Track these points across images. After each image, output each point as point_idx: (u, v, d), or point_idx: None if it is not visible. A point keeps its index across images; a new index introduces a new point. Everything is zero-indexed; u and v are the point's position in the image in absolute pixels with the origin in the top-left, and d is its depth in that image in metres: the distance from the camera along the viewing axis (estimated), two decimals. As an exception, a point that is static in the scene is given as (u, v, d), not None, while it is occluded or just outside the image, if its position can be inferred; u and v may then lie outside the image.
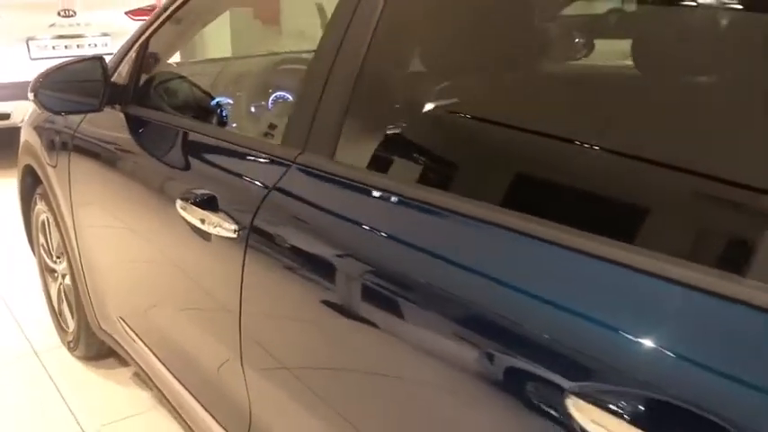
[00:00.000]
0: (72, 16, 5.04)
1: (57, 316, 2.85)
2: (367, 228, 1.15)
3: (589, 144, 1.05)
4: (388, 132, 1.30)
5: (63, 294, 2.73)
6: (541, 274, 0.90)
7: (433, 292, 1.00)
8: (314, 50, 1.39)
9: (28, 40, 4.97)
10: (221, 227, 1.39)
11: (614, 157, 1.01)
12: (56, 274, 2.76)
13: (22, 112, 4.39)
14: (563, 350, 0.82)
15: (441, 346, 0.98)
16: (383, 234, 1.12)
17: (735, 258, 0.79)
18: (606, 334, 0.80)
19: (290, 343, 1.33)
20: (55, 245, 2.68)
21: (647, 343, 0.76)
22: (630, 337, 0.78)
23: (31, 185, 2.74)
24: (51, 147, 2.42)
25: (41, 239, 2.82)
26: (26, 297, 3.23)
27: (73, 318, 2.64)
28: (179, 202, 1.53)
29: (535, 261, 0.92)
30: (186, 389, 1.76)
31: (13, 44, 4.93)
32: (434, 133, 1.26)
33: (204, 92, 2.05)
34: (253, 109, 2.06)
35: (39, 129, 2.54)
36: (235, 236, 1.37)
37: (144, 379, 2.29)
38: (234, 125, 2.01)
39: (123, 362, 2.64)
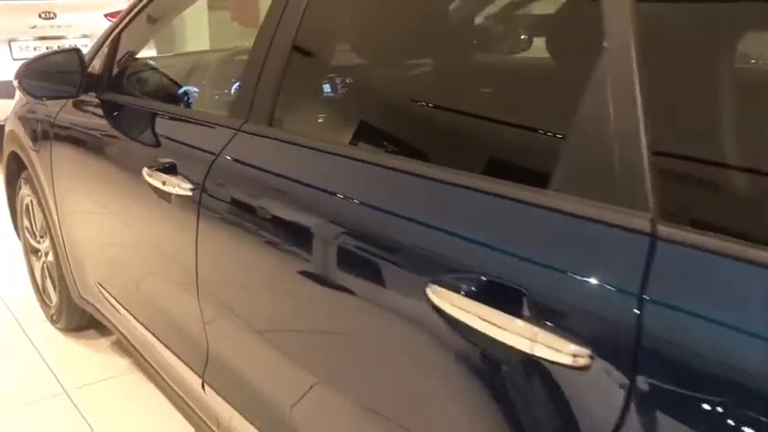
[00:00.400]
0: (52, 18, 5.26)
1: (40, 293, 3.08)
2: (298, 182, 1.41)
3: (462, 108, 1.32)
4: (313, 102, 1.56)
5: (46, 271, 2.96)
6: (424, 205, 1.16)
7: (354, 232, 1.26)
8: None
9: (10, 41, 5.18)
10: (179, 187, 1.65)
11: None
12: (39, 254, 3.00)
13: (5, 110, 4.59)
14: (427, 255, 1.09)
15: (356, 275, 1.23)
16: (310, 186, 1.38)
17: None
18: (454, 240, 1.06)
19: (237, 288, 1.58)
20: (38, 225, 2.91)
21: (478, 238, 1.03)
22: (471, 238, 1.04)
23: (16, 172, 2.98)
24: (34, 134, 2.65)
25: (26, 222, 3.06)
26: (12, 278, 3.45)
27: (55, 291, 2.87)
28: (145, 170, 1.79)
29: (422, 195, 1.18)
30: (154, 335, 2.01)
31: (-5, 45, 5.14)
32: (348, 102, 1.52)
33: (171, 80, 2.31)
34: (216, 95, 2.31)
35: (22, 118, 2.78)
36: (190, 194, 1.63)
37: (123, 344, 2.54)
38: (197, 107, 2.27)
39: (103, 333, 2.89)
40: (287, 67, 1.50)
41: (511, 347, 0.94)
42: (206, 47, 6.94)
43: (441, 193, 1.13)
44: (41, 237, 2.92)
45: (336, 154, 1.37)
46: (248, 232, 1.52)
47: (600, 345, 0.86)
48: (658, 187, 0.87)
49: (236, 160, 1.56)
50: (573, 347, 0.87)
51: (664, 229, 0.85)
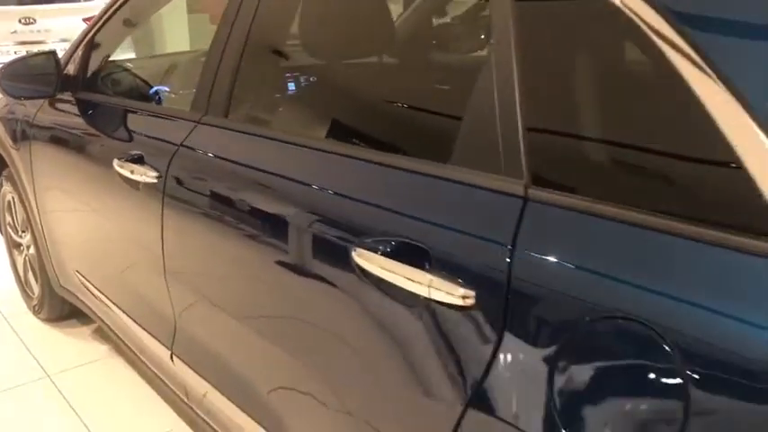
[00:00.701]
0: (32, 24, 5.41)
1: (23, 285, 3.23)
2: (247, 166, 1.59)
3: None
4: (263, 95, 1.73)
5: (28, 264, 3.12)
6: (349, 181, 1.34)
7: (294, 209, 1.44)
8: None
9: (-9, 46, 5.33)
10: (146, 175, 1.82)
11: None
12: (21, 248, 3.15)
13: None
14: (352, 224, 1.27)
15: (297, 246, 1.41)
16: (257, 169, 1.55)
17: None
18: (372, 210, 1.24)
19: (198, 266, 1.76)
20: (20, 220, 3.07)
21: (392, 207, 1.21)
22: (386, 207, 1.22)
23: (-3, 168, 3.13)
24: (14, 133, 2.81)
25: (8, 218, 3.21)
26: (3, 276, 3.59)
27: (37, 283, 3.03)
28: (116, 161, 1.96)
29: (348, 173, 1.35)
30: (128, 315, 2.18)
31: (-24, 51, 5.28)
32: (290, 95, 1.70)
33: (141, 80, 2.47)
34: (181, 93, 2.47)
35: (2, 119, 2.93)
36: (155, 181, 1.80)
37: (103, 331, 2.70)
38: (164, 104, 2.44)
39: (84, 321, 3.04)
40: (240, 65, 1.67)
41: (416, 294, 1.12)
42: (186, 48, 7.10)
43: (363, 171, 1.31)
44: (23, 231, 3.07)
45: (280, 140, 1.54)
46: (206, 214, 1.69)
47: (482, 288, 1.04)
48: (530, 159, 1.05)
49: (195, 149, 1.74)
50: (462, 291, 1.05)
51: (534, 193, 1.03)
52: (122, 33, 2.57)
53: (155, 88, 2.43)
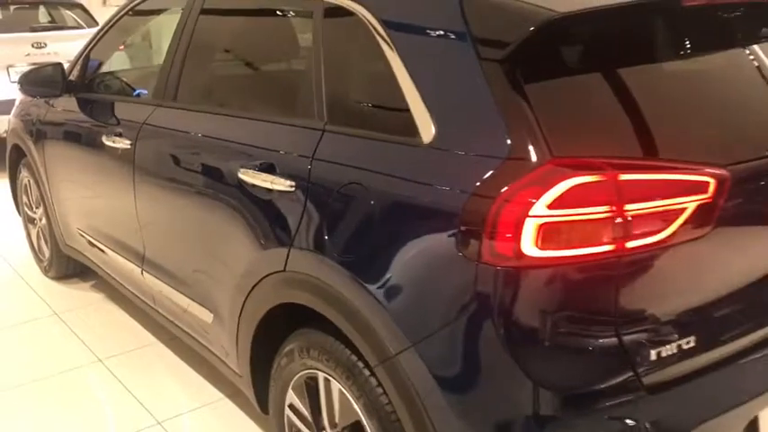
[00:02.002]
0: (43, 48, 6.28)
1: (36, 252, 4.06)
2: (186, 132, 2.41)
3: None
4: (197, 86, 2.56)
5: (40, 234, 3.94)
6: (241, 132, 2.15)
7: (207, 152, 2.26)
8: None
9: (8, 67, 6.18)
10: (122, 144, 2.65)
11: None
12: (35, 221, 3.97)
13: (4, 125, 5.57)
14: (240, 154, 2.09)
15: (208, 174, 2.22)
16: (191, 132, 2.37)
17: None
18: (251, 149, 2.06)
19: (156, 203, 2.57)
20: (34, 198, 3.89)
21: (262, 145, 2.02)
22: (259, 146, 2.04)
23: (16, 160, 3.96)
24: (29, 129, 3.64)
25: (24, 198, 4.04)
26: (15, 246, 4.41)
27: (47, 246, 3.85)
28: (104, 137, 2.79)
29: (238, 127, 2.17)
30: (113, 251, 3.00)
31: (-4, 71, 6.16)
32: (211, 85, 2.56)
33: (124, 82, 3.31)
34: (149, 88, 3.31)
35: (21, 119, 3.77)
36: (129, 147, 2.62)
37: (99, 283, 3.52)
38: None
39: (84, 279, 3.85)
40: (182, 68, 2.50)
41: (267, 188, 1.93)
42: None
43: (246, 126, 2.14)
44: (36, 207, 3.90)
45: (203, 112, 2.38)
46: (160, 166, 2.52)
47: (297, 180, 1.85)
48: (328, 111, 1.87)
49: (153, 124, 2.57)
50: (288, 182, 1.86)
51: (329, 127, 1.85)
52: (110, 50, 3.41)
53: (132, 87, 3.26)
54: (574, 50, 1.56)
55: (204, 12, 2.47)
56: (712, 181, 1.45)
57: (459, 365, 1.50)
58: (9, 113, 4.08)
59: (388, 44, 1.71)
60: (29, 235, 4.12)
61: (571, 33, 1.54)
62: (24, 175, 3.94)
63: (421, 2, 1.75)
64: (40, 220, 3.89)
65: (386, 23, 1.73)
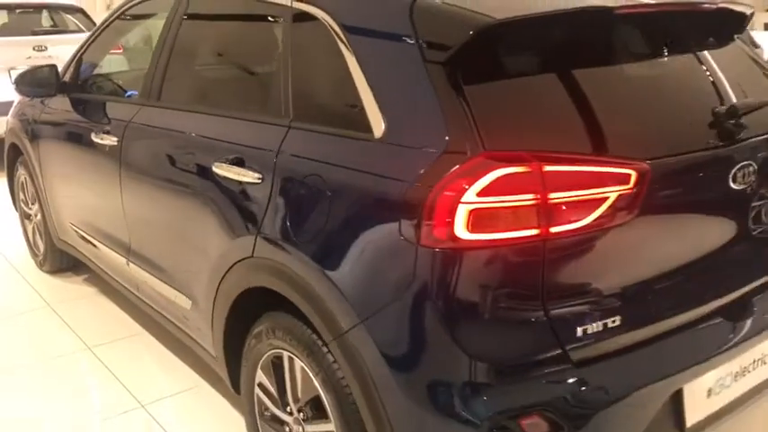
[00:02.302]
0: (44, 51, 6.46)
1: (32, 247, 4.21)
2: (168, 129, 2.56)
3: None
4: (178, 88, 2.71)
5: (36, 229, 4.09)
6: (215, 129, 2.30)
7: (185, 147, 2.41)
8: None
9: (9, 69, 6.35)
10: (110, 141, 2.80)
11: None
12: (30, 217, 4.13)
13: (3, 125, 5.73)
14: (214, 150, 2.24)
15: (188, 167, 2.37)
16: (172, 129, 2.52)
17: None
18: (225, 144, 2.21)
19: (140, 197, 2.72)
20: (30, 195, 4.05)
21: (236, 141, 2.17)
22: (232, 141, 2.18)
23: (13, 158, 4.12)
24: (26, 128, 3.80)
25: (21, 195, 4.20)
26: (12, 242, 4.57)
27: (42, 241, 4.00)
28: (93, 135, 2.94)
29: (215, 125, 2.32)
30: (102, 243, 3.15)
31: (-2, 73, 6.34)
32: (191, 87, 2.71)
33: (114, 83, 3.47)
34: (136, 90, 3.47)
35: (18, 119, 3.93)
36: (116, 143, 2.78)
37: (91, 278, 3.67)
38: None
39: (77, 273, 4.00)
40: (165, 72, 2.65)
41: (237, 180, 2.08)
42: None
43: (220, 123, 2.29)
44: (32, 203, 4.05)
45: (183, 110, 2.53)
46: (144, 161, 2.67)
47: (264, 172, 2.00)
48: (293, 109, 2.01)
49: (139, 123, 2.72)
50: (256, 174, 2.01)
51: (294, 124, 1.99)
52: (101, 53, 3.57)
53: (122, 88, 3.41)
54: (509, 54, 1.70)
55: (186, 17, 2.62)
56: (634, 173, 1.59)
57: (402, 340, 1.64)
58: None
59: (346, 47, 1.86)
60: (25, 230, 4.28)
61: (507, 38, 1.69)
62: (21, 173, 4.09)
63: (376, 9, 1.89)
64: (36, 215, 4.04)
65: (345, 28, 1.88)
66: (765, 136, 1.90)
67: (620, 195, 1.58)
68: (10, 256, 4.40)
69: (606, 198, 1.57)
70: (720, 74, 1.99)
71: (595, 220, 1.56)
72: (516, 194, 1.52)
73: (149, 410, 2.73)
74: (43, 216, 3.86)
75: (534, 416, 1.57)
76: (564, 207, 1.54)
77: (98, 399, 2.88)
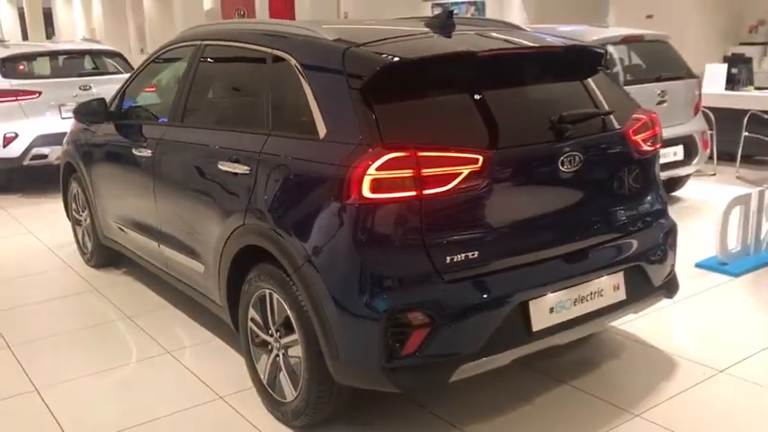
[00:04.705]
0: (89, 89, 7.53)
1: (81, 247, 5.18)
2: (189, 143, 3.50)
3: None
4: (197, 112, 3.66)
5: (85, 232, 5.06)
6: (220, 140, 3.24)
7: (197, 155, 3.35)
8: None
9: (59, 106, 7.43)
10: (146, 153, 3.77)
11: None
12: (81, 222, 5.10)
13: (56, 153, 6.74)
14: (220, 154, 3.17)
15: (199, 170, 3.30)
16: (192, 143, 3.46)
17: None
18: (224, 150, 3.15)
19: (169, 195, 3.65)
20: (80, 204, 5.02)
21: (229, 146, 3.11)
22: (228, 147, 3.12)
23: (68, 174, 5.12)
24: (79, 150, 4.80)
25: (73, 205, 5.18)
26: (66, 244, 5.55)
27: (90, 240, 4.96)
28: (133, 149, 3.91)
29: (221, 138, 3.25)
30: (139, 233, 4.09)
31: (50, 109, 7.42)
32: (206, 111, 3.67)
33: (150, 112, 4.45)
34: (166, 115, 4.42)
35: (72, 142, 4.94)
36: (151, 156, 3.74)
37: (130, 269, 4.62)
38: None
39: (119, 267, 4.95)
40: (188, 100, 3.61)
41: (234, 172, 3.00)
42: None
43: (224, 136, 3.24)
44: (82, 210, 5.02)
45: (201, 128, 3.48)
46: (173, 169, 3.62)
47: (251, 165, 2.91)
48: (272, 122, 2.94)
49: (168, 139, 3.67)
50: (245, 167, 2.93)
51: (272, 132, 2.92)
52: (139, 89, 4.56)
53: (156, 114, 4.39)
54: (402, 82, 2.60)
55: (201, 61, 3.60)
56: (481, 157, 2.48)
57: (334, 267, 2.53)
58: (60, 144, 5.29)
59: (304, 79, 2.79)
60: (75, 234, 5.25)
61: (400, 72, 2.60)
62: (74, 186, 5.08)
63: (322, 54, 2.81)
64: (85, 220, 5.01)
65: (304, 66, 2.82)
66: (588, 136, 2.79)
67: (471, 171, 2.47)
68: (62, 255, 5.37)
69: (461, 173, 2.46)
70: (563, 92, 2.90)
71: (454, 186, 2.45)
72: (401, 170, 2.42)
73: (174, 355, 3.63)
74: (91, 219, 4.83)
75: (416, 311, 2.44)
76: (433, 178, 2.43)
77: (134, 349, 3.78)
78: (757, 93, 7.50)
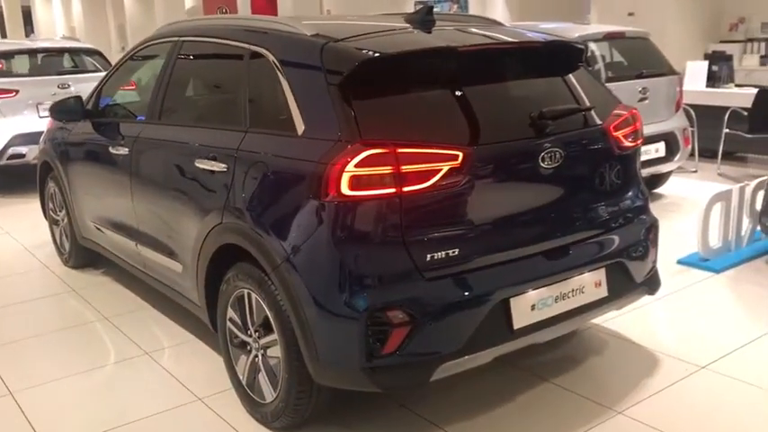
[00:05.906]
0: (67, 88, 7.43)
1: (58, 247, 5.11)
2: (165, 140, 3.45)
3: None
4: (174, 110, 3.61)
5: (62, 232, 4.98)
6: (198, 136, 3.19)
7: (175, 152, 3.29)
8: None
9: (37, 104, 7.33)
10: (123, 151, 3.71)
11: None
12: (58, 222, 5.02)
13: (33, 152, 6.64)
14: (196, 150, 3.12)
15: (178, 165, 3.25)
16: (168, 140, 3.41)
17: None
18: (202, 148, 3.10)
19: (145, 193, 3.60)
20: (58, 203, 4.95)
21: (208, 143, 3.06)
22: (206, 145, 3.08)
23: (45, 174, 5.04)
24: (56, 149, 4.72)
25: (50, 205, 5.10)
26: (43, 243, 5.47)
27: (68, 241, 4.89)
28: (110, 147, 3.85)
29: (200, 135, 3.21)
30: (115, 232, 4.03)
31: (28, 108, 7.32)
32: (181, 110, 3.62)
33: (126, 109, 4.38)
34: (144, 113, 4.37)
35: (49, 141, 4.86)
36: (127, 153, 3.68)
37: (108, 271, 4.55)
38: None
39: (97, 268, 4.88)
40: (164, 98, 3.56)
41: (212, 170, 2.96)
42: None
43: (200, 132, 3.19)
44: (60, 210, 4.95)
45: (178, 125, 3.43)
46: (148, 166, 3.56)
47: (228, 163, 2.87)
48: (249, 119, 2.90)
49: (145, 137, 3.61)
50: (223, 165, 2.89)
51: (249, 129, 2.88)
52: (116, 86, 4.50)
53: (133, 112, 4.32)
54: (382, 77, 2.57)
55: (179, 57, 3.54)
56: (461, 154, 2.45)
57: (313, 265, 2.49)
58: (37, 143, 5.21)
59: (282, 75, 2.74)
60: (53, 234, 5.17)
61: (378, 67, 2.56)
62: (51, 186, 5.00)
63: (301, 50, 2.77)
64: (63, 220, 4.93)
65: (281, 62, 2.77)
66: (568, 132, 2.77)
67: (451, 168, 2.44)
68: (39, 256, 5.29)
69: (441, 169, 2.43)
70: (543, 88, 2.87)
71: (434, 183, 2.42)
72: (380, 167, 2.38)
73: (152, 356, 3.57)
74: (69, 219, 4.75)
75: (396, 309, 2.41)
76: (412, 174, 2.40)
77: (112, 350, 3.72)
78: (738, 90, 7.54)
